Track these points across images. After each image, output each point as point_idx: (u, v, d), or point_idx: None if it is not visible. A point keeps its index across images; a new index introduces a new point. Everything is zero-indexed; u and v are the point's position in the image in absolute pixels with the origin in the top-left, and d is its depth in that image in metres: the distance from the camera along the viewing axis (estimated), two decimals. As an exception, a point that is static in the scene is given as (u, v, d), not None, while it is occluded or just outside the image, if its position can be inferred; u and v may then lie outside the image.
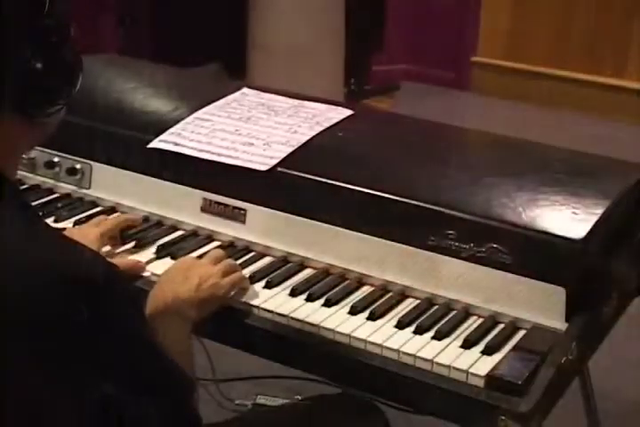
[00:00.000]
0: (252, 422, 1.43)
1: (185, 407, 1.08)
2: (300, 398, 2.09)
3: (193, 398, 1.10)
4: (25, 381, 0.93)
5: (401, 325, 1.35)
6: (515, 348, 1.30)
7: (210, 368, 2.02)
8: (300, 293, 1.43)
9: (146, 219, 1.64)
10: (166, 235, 1.59)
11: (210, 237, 1.58)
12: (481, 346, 1.30)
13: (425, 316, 1.38)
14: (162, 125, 1.65)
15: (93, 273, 0.96)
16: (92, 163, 1.69)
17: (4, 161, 1.03)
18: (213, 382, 2.13)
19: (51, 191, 1.73)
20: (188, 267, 1.37)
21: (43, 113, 1.03)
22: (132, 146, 1.64)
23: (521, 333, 1.34)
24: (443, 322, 1.36)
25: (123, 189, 1.65)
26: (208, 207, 1.58)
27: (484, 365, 1.26)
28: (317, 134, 1.60)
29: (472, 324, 1.36)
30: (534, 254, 1.34)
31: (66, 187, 1.72)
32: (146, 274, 1.46)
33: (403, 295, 1.43)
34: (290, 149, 1.56)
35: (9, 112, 1.00)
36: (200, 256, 1.46)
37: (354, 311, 1.38)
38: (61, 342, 0.93)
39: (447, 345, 1.31)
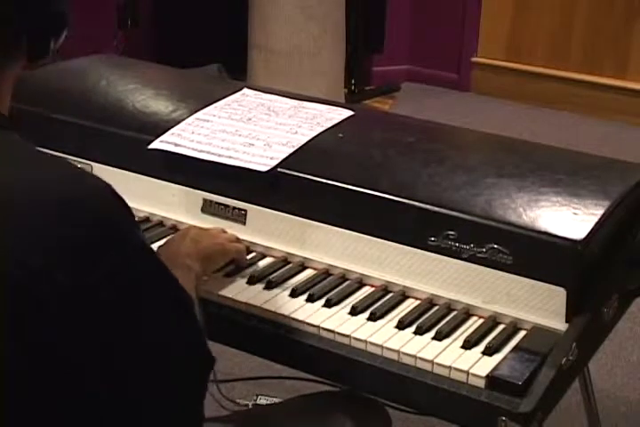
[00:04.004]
0: (252, 418, 1.43)
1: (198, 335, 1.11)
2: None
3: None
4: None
5: (401, 325, 1.35)
6: (515, 348, 1.30)
7: (210, 369, 2.02)
8: (301, 293, 1.43)
9: (146, 219, 1.64)
10: (166, 235, 1.59)
11: (210, 238, 1.58)
12: (481, 347, 1.30)
13: (425, 316, 1.38)
14: (162, 126, 1.65)
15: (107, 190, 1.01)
16: (92, 163, 1.69)
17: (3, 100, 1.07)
18: (214, 382, 2.13)
19: (51, 192, 1.73)
20: (190, 229, 1.47)
21: (43, 58, 1.09)
22: (132, 146, 1.64)
23: (521, 333, 1.34)
24: (443, 323, 1.36)
25: (123, 190, 1.63)
26: (208, 208, 1.58)
27: (485, 365, 1.26)
28: (318, 135, 1.60)
29: (472, 324, 1.36)
30: (535, 255, 1.34)
31: (66, 187, 1.72)
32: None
33: (403, 296, 1.43)
34: (290, 150, 1.56)
35: (21, 56, 1.06)
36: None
37: (354, 312, 1.38)
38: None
39: (447, 346, 1.31)
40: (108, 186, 1.02)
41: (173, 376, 1.06)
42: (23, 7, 1.03)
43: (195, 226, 1.53)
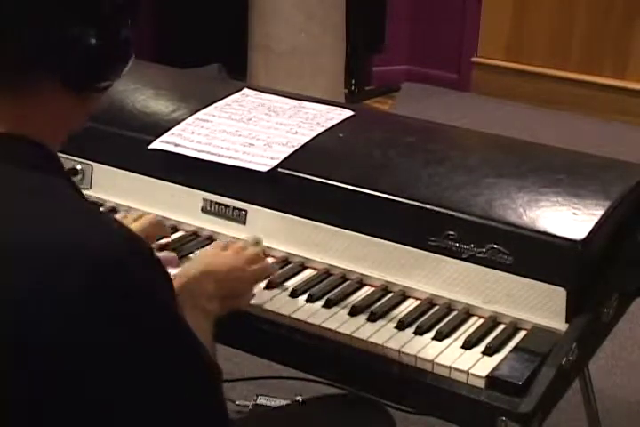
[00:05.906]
0: (254, 421, 1.43)
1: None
2: (300, 398, 2.09)
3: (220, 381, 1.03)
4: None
5: (401, 325, 1.35)
6: (515, 348, 1.30)
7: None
8: (301, 293, 1.43)
9: (146, 219, 1.64)
10: (166, 235, 1.59)
11: (210, 238, 1.58)
12: (481, 347, 1.31)
13: (425, 316, 1.38)
14: (162, 126, 1.65)
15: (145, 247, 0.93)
16: (92, 164, 1.69)
17: (48, 135, 1.00)
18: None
19: (51, 192, 1.73)
20: (211, 260, 1.37)
21: (90, 88, 1.01)
22: (132, 147, 1.64)
23: (521, 333, 1.34)
24: (443, 323, 1.36)
25: (123, 190, 1.65)
26: (208, 208, 1.58)
27: (485, 365, 1.26)
28: (318, 135, 1.61)
29: (472, 324, 1.36)
30: (535, 255, 1.34)
31: (66, 187, 1.72)
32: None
33: (403, 296, 1.43)
34: (290, 150, 1.56)
35: (53, 84, 0.97)
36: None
37: (354, 312, 1.38)
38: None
39: (448, 346, 1.31)
40: (129, 231, 0.92)
41: None
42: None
43: (213, 250, 1.45)
